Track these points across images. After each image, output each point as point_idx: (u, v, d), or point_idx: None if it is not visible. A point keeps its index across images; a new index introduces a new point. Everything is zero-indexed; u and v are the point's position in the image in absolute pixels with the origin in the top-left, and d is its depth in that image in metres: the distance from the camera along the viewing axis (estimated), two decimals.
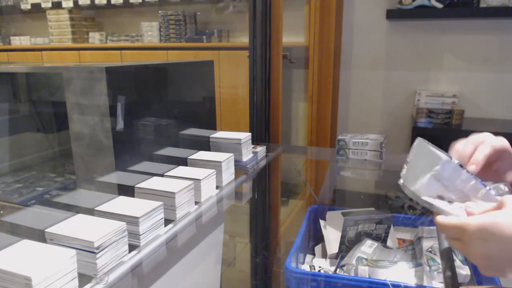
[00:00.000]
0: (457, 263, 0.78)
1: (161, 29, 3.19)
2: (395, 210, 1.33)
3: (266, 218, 1.17)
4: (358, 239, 0.92)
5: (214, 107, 1.31)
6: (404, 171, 0.56)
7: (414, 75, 2.46)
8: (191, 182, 0.91)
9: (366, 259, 0.81)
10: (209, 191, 1.00)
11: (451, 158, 0.55)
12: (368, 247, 0.88)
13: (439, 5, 2.18)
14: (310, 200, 1.29)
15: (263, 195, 1.27)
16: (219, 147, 1.21)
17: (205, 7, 3.18)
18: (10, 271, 0.54)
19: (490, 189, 0.54)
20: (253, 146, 1.32)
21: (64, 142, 1.31)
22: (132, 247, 0.74)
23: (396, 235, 1.00)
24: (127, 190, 0.88)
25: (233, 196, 1.09)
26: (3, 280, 0.55)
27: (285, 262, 0.79)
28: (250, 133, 1.25)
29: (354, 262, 0.83)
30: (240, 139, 1.19)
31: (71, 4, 3.43)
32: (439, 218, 0.55)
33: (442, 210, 0.54)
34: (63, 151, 1.32)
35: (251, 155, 1.27)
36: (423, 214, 1.29)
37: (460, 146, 0.66)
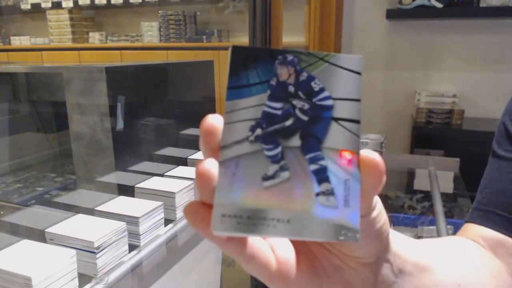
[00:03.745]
0: None
1: (161, 29, 3.19)
2: (395, 210, 1.33)
3: None
4: None
5: (214, 107, 1.31)
6: None
7: (414, 75, 2.46)
8: (191, 182, 0.91)
9: None
10: None
11: None
12: None
13: (439, 5, 2.18)
14: None
15: None
16: None
17: (205, 7, 3.18)
18: (10, 271, 0.54)
19: None
20: None
21: (64, 142, 1.31)
22: (132, 247, 0.74)
23: None
24: (127, 190, 0.88)
25: None
26: (3, 280, 0.55)
27: None
28: None
29: None
30: None
31: (71, 4, 3.43)
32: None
33: None
34: (63, 151, 1.32)
35: None
36: (423, 214, 1.29)
37: None
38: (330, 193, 0.22)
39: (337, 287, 0.28)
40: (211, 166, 0.21)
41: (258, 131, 0.22)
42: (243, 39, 2.99)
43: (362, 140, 1.39)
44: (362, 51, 2.54)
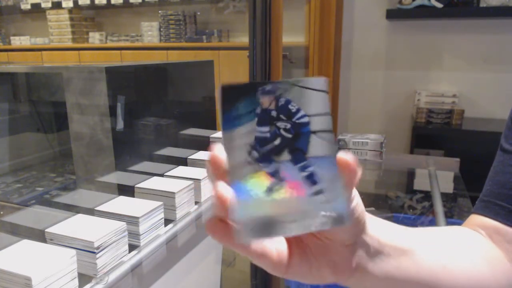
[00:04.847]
0: None
1: (161, 29, 3.19)
2: (395, 210, 1.34)
3: None
4: None
5: (214, 107, 1.31)
6: None
7: (414, 75, 2.46)
8: (191, 182, 0.91)
9: None
10: (209, 191, 1.00)
11: None
12: None
13: (439, 5, 2.18)
14: None
15: None
16: None
17: (205, 7, 3.18)
18: (10, 271, 0.54)
19: None
20: None
21: (64, 142, 1.31)
22: (132, 247, 0.74)
23: None
24: (127, 190, 0.88)
25: None
26: (3, 280, 0.55)
27: None
28: None
29: None
30: None
31: (71, 4, 3.43)
32: None
33: None
34: (63, 151, 1.32)
35: None
36: (423, 214, 1.29)
37: None
38: (321, 192, 0.26)
39: (323, 266, 0.33)
40: (225, 190, 0.25)
41: (254, 154, 0.26)
42: (243, 39, 2.99)
43: (362, 140, 1.39)
44: (362, 51, 2.54)
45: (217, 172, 0.26)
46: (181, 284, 0.80)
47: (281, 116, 0.27)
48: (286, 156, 0.27)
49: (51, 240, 0.66)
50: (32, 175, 1.15)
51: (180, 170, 1.01)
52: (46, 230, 0.67)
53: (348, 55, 2.56)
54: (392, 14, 2.33)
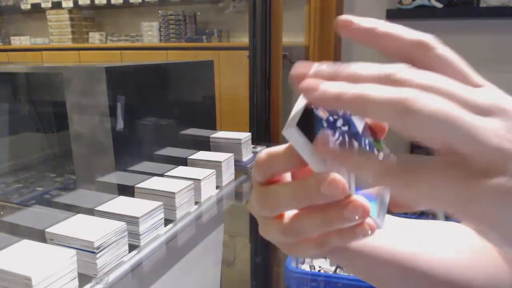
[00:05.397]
0: None
1: (161, 29, 3.19)
2: None
3: None
4: None
5: (214, 107, 1.31)
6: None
7: None
8: (191, 182, 0.91)
9: None
10: (209, 191, 1.00)
11: None
12: None
13: (439, 5, 2.19)
14: None
15: None
16: (219, 147, 1.21)
17: (205, 7, 3.18)
18: (10, 271, 0.54)
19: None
20: (253, 146, 1.32)
21: (64, 142, 1.31)
22: (132, 247, 0.74)
23: None
24: (127, 190, 0.88)
25: (233, 196, 1.09)
26: (3, 280, 0.55)
27: (285, 262, 0.80)
28: (250, 133, 1.25)
29: None
30: (240, 139, 1.19)
31: (71, 4, 3.43)
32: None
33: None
34: (63, 151, 1.32)
35: (251, 155, 1.27)
36: (423, 214, 1.29)
37: None
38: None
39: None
40: (363, 200, 0.26)
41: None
42: (243, 39, 2.99)
43: None
44: (362, 51, 2.54)
45: (263, 175, 0.29)
46: (181, 284, 0.80)
47: (334, 116, 0.28)
48: (355, 144, 0.28)
49: (51, 240, 0.67)
50: (32, 175, 1.15)
51: (180, 170, 1.01)
52: (46, 230, 0.67)
53: (348, 55, 2.56)
54: (392, 14, 2.33)
